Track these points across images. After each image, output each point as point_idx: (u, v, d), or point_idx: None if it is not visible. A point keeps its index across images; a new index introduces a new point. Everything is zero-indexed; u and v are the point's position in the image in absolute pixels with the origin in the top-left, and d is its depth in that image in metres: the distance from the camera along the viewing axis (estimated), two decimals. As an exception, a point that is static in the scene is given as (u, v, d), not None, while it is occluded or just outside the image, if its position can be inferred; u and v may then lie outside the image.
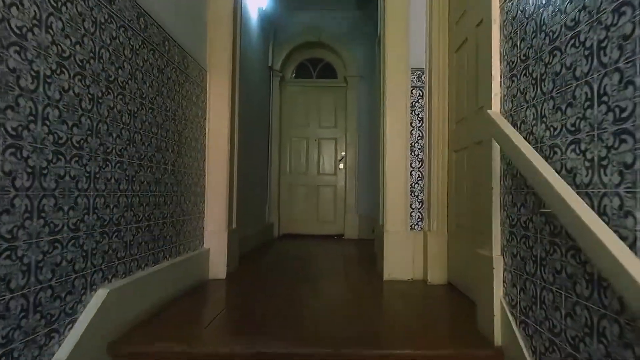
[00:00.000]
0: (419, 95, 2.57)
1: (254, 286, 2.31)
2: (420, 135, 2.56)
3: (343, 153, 5.21)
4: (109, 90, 1.44)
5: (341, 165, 5.22)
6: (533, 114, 1.18)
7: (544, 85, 1.12)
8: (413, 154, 2.56)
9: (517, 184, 1.28)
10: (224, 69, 2.58)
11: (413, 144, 2.56)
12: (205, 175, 2.53)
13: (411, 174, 2.55)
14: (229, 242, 2.56)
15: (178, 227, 2.11)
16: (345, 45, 5.09)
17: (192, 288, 2.22)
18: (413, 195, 2.54)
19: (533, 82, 1.19)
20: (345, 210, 5.11)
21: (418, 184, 2.55)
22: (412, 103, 2.57)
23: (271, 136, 5.05)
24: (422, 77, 2.57)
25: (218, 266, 2.52)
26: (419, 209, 2.54)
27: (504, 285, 1.37)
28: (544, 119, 1.12)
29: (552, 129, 1.08)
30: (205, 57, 2.52)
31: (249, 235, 3.69)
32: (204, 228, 2.51)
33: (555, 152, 1.06)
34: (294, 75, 5.37)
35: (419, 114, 2.57)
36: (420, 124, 2.56)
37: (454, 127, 2.30)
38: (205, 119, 2.52)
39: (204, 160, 2.51)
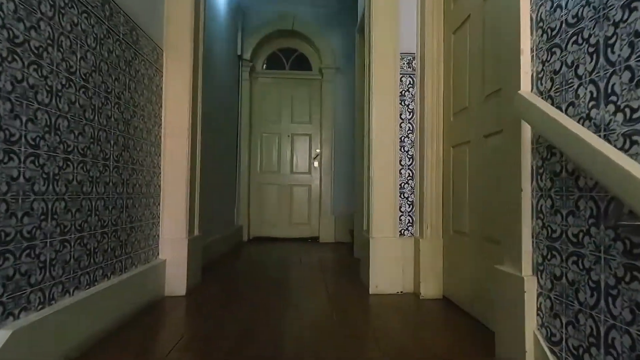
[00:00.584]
0: (409, 83, 2.27)
1: (219, 304, 1.95)
2: (411, 128, 2.27)
3: (318, 150, 4.88)
4: (14, 57, 1.04)
5: (316, 164, 4.89)
6: (591, 92, 0.89)
7: (612, 53, 0.83)
8: (402, 150, 2.26)
9: (562, 184, 0.99)
10: (184, 50, 2.19)
11: (402, 138, 2.26)
12: (160, 174, 2.13)
13: (400, 173, 2.25)
14: (189, 252, 2.18)
15: (124, 237, 1.71)
16: (321, 34, 4.76)
17: (143, 309, 1.83)
18: (403, 197, 2.25)
19: (591, 50, 0.90)
20: (320, 212, 4.78)
21: (408, 183, 2.25)
22: (401, 92, 2.27)
23: (240, 131, 4.65)
24: (413, 63, 2.28)
25: (176, 281, 2.13)
26: (409, 212, 2.25)
27: (538, 315, 1.08)
28: (613, 98, 0.83)
29: (628, 110, 0.79)
30: (161, 35, 2.12)
31: (214, 241, 3.29)
32: (159, 236, 2.11)
33: (635, 143, 0.77)
34: (265, 66, 5.00)
35: (409, 104, 2.27)
36: (410, 116, 2.27)
37: (452, 119, 2.02)
38: (160, 106, 2.13)
39: (159, 155, 2.12)
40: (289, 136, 4.90)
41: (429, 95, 2.14)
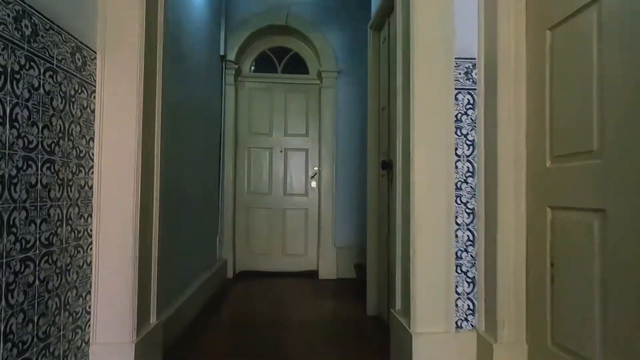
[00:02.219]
0: (468, 103, 1.55)
1: None
2: (471, 170, 1.54)
3: (316, 168, 4.14)
4: None
5: (314, 184, 4.15)
6: None
7: None
8: (460, 202, 1.54)
9: None
10: (130, 50, 1.43)
11: (459, 184, 1.54)
12: (91, 247, 1.37)
13: (456, 235, 1.53)
14: (139, 361, 1.42)
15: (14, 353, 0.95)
16: (320, 31, 4.01)
17: None
18: (459, 270, 1.53)
19: None
20: (319, 241, 4.04)
21: (467, 251, 1.53)
22: (456, 116, 1.54)
23: (223, 146, 3.89)
24: (473, 74, 1.55)
25: (118, 409, 1.37)
26: (468, 294, 1.52)
27: None
28: None
29: None
30: (93, 31, 1.36)
31: (187, 301, 2.53)
32: (87, 342, 1.35)
33: None
34: (253, 68, 4.23)
35: (467, 134, 1.55)
36: (470, 152, 1.55)
37: (550, 164, 1.30)
38: (89, 139, 1.36)
39: (87, 217, 1.36)
40: (281, 151, 4.15)
41: (505, 123, 1.41)
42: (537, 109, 1.35)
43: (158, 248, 1.60)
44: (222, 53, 3.74)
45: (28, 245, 1.04)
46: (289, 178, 4.15)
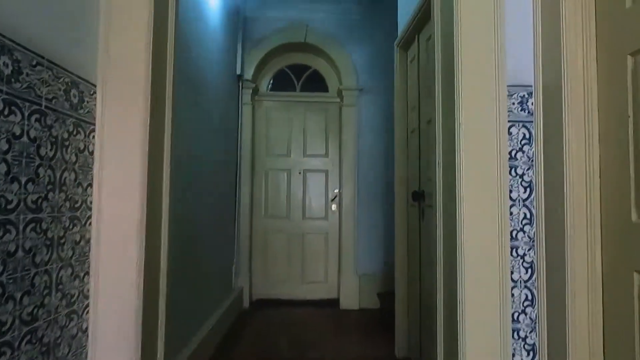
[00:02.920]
0: (524, 138, 1.33)
1: None
2: (528, 217, 1.31)
3: (336, 190, 3.93)
4: None
5: (334, 207, 3.94)
6: None
7: None
8: (516, 254, 1.30)
9: None
10: (135, 81, 1.26)
11: (515, 233, 1.31)
12: (89, 295, 1.19)
13: (512, 294, 1.29)
14: None
15: None
16: (341, 47, 3.84)
17: None
18: (516, 337, 1.29)
19: None
20: (340, 268, 3.82)
21: (525, 312, 1.29)
22: (510, 153, 1.32)
23: (240, 168, 3.72)
24: (529, 104, 1.33)
25: None
26: (529, 364, 1.28)
27: None
28: None
29: None
30: (92, 62, 1.19)
31: (199, 342, 2.33)
32: None
33: None
34: (271, 86, 4.07)
35: (523, 174, 1.32)
36: (527, 195, 1.32)
37: None
38: (87, 185, 1.19)
39: (84, 277, 1.17)
40: (300, 173, 3.96)
41: (573, 162, 1.18)
42: (617, 146, 1.12)
43: (166, 304, 1.41)
44: (238, 72, 3.59)
45: (4, 329, 0.86)
46: (308, 201, 3.95)
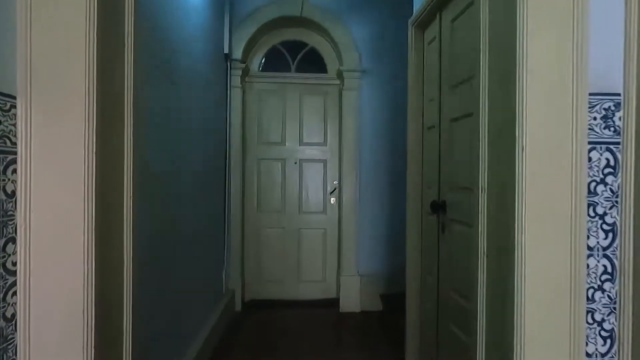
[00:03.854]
0: (607, 165, 0.99)
1: None
2: (610, 271, 0.99)
3: (336, 182, 3.60)
4: None
5: (333, 200, 3.61)
6: None
7: None
8: (593, 320, 1.00)
9: None
10: (72, 86, 0.89)
11: (591, 292, 0.99)
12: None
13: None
14: None
15: None
16: (341, 23, 3.41)
17: None
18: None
19: None
20: (340, 266, 3.53)
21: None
22: (590, 186, 0.99)
23: (229, 159, 3.35)
24: (615, 118, 0.99)
25: None
26: None
27: None
28: None
29: None
30: (6, 68, 0.82)
31: (187, 353, 2.04)
32: None
33: None
34: (262, 66, 3.65)
35: (605, 214, 0.99)
36: (609, 242, 0.99)
37: None
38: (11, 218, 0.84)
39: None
40: (296, 162, 3.61)
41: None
42: None
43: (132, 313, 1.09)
44: (226, 51, 3.17)
45: None
46: (305, 193, 3.62)
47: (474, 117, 1.39)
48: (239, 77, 3.37)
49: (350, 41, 3.40)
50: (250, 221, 3.57)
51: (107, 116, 0.97)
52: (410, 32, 2.22)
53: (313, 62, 3.62)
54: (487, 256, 1.16)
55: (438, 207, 1.88)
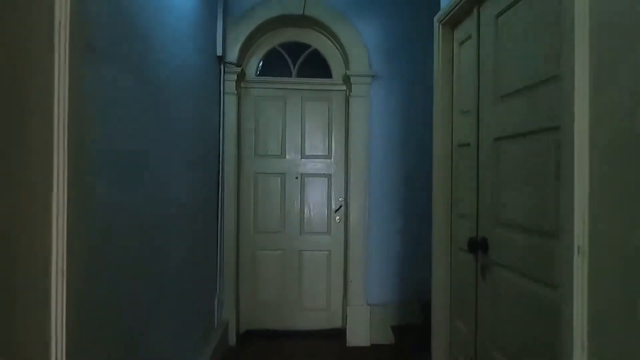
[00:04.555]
0: None
1: None
2: None
3: (341, 199, 3.24)
4: None
5: (338, 218, 3.25)
6: None
7: None
8: None
9: None
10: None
11: None
12: None
13: None
14: None
15: None
16: (349, 22, 3.06)
17: None
18: None
19: None
20: (346, 294, 3.17)
21: None
22: None
23: (223, 172, 2.99)
24: None
25: None
26: None
27: None
28: None
29: None
30: None
31: None
32: None
33: None
34: (260, 70, 3.30)
35: None
36: None
37: None
38: None
39: None
40: (297, 177, 3.24)
41: None
42: None
43: None
44: (219, 53, 2.81)
45: None
46: (307, 212, 3.25)
47: (547, 135, 1.04)
48: (234, 83, 3.01)
49: (358, 42, 3.05)
50: (245, 243, 3.20)
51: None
52: (437, 30, 1.87)
53: (316, 66, 3.27)
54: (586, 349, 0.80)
55: (477, 245, 1.53)
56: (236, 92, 3.05)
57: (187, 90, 2.20)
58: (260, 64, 3.28)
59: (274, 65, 3.29)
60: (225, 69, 2.95)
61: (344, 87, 3.21)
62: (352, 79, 3.04)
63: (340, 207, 3.24)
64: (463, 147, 1.72)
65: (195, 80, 2.34)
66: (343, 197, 3.23)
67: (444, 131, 1.85)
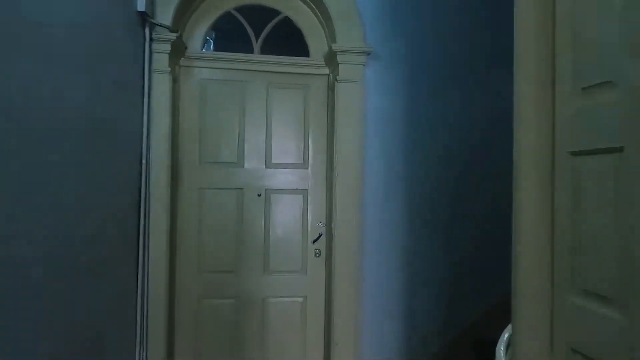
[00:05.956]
0: None
1: None
2: None
3: (322, 224, 2.33)
4: None
5: (317, 251, 2.34)
6: None
7: None
8: None
9: None
10: None
11: None
12: None
13: None
14: None
15: None
16: (334, -23, 2.18)
17: None
18: None
19: None
20: (329, 355, 2.24)
21: None
22: None
23: (148, 187, 2.01)
24: None
25: None
26: None
27: None
28: None
29: None
30: None
31: None
32: None
33: None
34: (209, 44, 2.34)
35: None
36: None
37: None
38: None
39: None
40: (260, 195, 2.30)
41: None
42: None
43: None
44: (140, 7, 1.84)
45: None
46: (274, 242, 2.31)
47: None
48: (167, 56, 2.05)
49: (349, 5, 2.17)
50: (184, 288, 2.22)
51: None
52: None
53: (288, 40, 2.36)
54: None
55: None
56: (171, 70, 2.08)
57: (83, 64, 1.24)
58: (210, 34, 2.33)
59: (228, 36, 2.35)
60: (153, 35, 1.99)
61: (327, 70, 2.32)
62: (339, 57, 2.14)
63: (321, 235, 2.33)
64: (587, 156, 0.87)
65: (91, 47, 1.38)
66: (324, 221, 2.32)
67: (539, 129, 0.98)
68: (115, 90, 1.69)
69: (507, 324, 1.18)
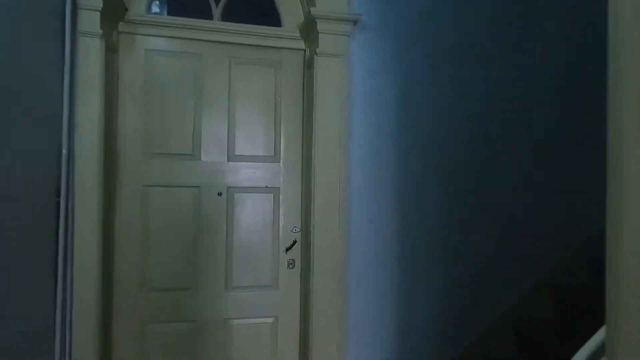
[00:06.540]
0: None
1: None
2: None
3: (296, 228, 1.94)
4: None
5: (291, 261, 1.94)
6: None
7: None
8: None
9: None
10: None
11: None
12: None
13: None
14: None
15: None
16: None
17: None
18: None
19: None
20: (304, 393, 1.86)
21: None
22: None
23: (70, 186, 1.54)
24: None
25: None
26: None
27: None
28: None
29: None
30: None
31: None
32: None
33: None
34: (156, 5, 1.89)
35: None
36: None
37: None
38: None
39: None
40: (220, 194, 1.88)
41: None
42: None
43: None
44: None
45: None
46: (237, 251, 1.90)
47: None
48: (98, 14, 1.57)
49: (331, -38, 1.78)
50: (124, 309, 1.77)
51: None
52: None
53: (256, 5, 1.94)
54: None
55: None
56: (103, 36, 1.61)
57: None
58: (156, -7, 1.87)
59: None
60: (77, -12, 1.51)
61: (303, 44, 1.92)
62: (319, 24, 1.75)
63: (295, 242, 1.93)
64: None
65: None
66: (299, 226, 1.93)
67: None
68: (11, 52, 1.22)
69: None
